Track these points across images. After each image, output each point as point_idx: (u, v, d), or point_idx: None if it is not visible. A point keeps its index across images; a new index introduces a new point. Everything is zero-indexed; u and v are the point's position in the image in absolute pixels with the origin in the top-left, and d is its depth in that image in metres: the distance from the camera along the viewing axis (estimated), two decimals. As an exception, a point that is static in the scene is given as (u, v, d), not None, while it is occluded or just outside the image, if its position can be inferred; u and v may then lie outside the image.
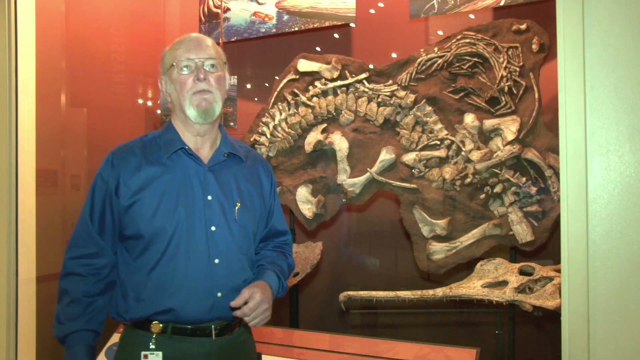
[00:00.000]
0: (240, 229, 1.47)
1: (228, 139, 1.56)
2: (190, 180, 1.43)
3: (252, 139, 2.75)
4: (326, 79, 2.59)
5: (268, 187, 1.61)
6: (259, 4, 2.86)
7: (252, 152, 1.63)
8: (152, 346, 1.34)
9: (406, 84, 2.46)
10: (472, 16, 2.56)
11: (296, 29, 2.77)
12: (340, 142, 2.55)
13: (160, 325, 1.37)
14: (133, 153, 1.44)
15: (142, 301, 1.38)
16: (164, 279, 1.37)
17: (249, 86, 3.23)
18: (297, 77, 2.67)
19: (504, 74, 2.28)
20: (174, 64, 1.43)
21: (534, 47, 2.25)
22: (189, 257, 1.38)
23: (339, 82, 2.57)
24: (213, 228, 1.42)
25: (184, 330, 1.38)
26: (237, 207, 1.48)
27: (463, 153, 2.34)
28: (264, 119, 2.73)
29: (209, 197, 1.44)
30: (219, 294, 1.40)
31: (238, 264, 1.46)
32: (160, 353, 1.35)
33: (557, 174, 2.19)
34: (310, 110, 2.61)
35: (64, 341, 1.38)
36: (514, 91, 2.28)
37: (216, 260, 1.41)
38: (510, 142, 2.25)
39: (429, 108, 2.42)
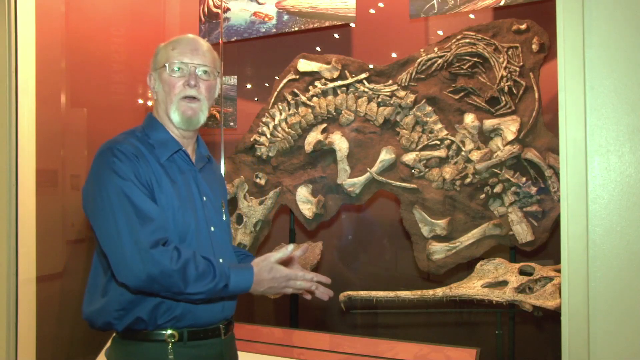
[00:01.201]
0: (228, 228, 1.54)
1: (202, 141, 1.58)
2: (189, 182, 1.44)
3: (252, 139, 2.75)
4: (326, 79, 2.59)
5: (226, 189, 1.70)
6: (259, 4, 2.86)
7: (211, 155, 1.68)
8: (170, 357, 1.31)
9: (406, 84, 2.46)
10: (472, 16, 2.56)
11: (296, 29, 2.77)
12: (340, 142, 2.55)
13: (175, 332, 1.33)
14: (139, 149, 1.38)
15: (159, 307, 1.32)
16: None
17: (249, 86, 3.23)
18: (297, 77, 2.67)
19: (504, 74, 2.28)
20: (166, 64, 1.41)
21: (534, 47, 2.25)
22: None
23: (339, 82, 2.57)
24: (212, 228, 1.44)
25: (199, 334, 1.37)
26: (223, 208, 1.53)
27: (463, 153, 2.34)
28: (264, 119, 2.73)
29: (204, 198, 1.45)
30: None
31: (234, 261, 1.51)
32: None
33: (557, 174, 2.19)
34: (310, 110, 2.61)
35: (227, 285, 1.29)
36: (514, 91, 2.28)
37: (220, 260, 1.43)
38: (510, 142, 2.25)
39: (429, 108, 2.42)
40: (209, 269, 1.27)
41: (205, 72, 1.43)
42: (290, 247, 1.34)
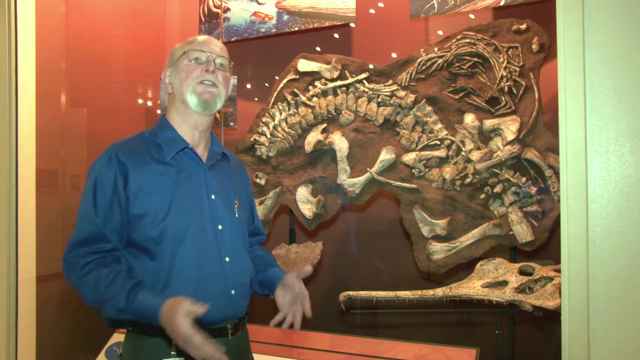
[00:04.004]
0: (241, 226, 1.51)
1: (217, 138, 1.58)
2: (195, 180, 1.44)
3: (252, 139, 2.75)
4: (326, 79, 2.59)
5: (248, 185, 1.68)
6: (259, 4, 2.86)
7: (231, 152, 1.68)
8: (172, 352, 1.32)
9: (406, 84, 2.46)
10: (472, 16, 2.56)
11: (296, 29, 2.77)
12: (340, 142, 2.55)
13: None
14: (137, 150, 1.40)
15: None
16: (180, 280, 1.35)
17: (249, 86, 3.23)
18: (297, 77, 2.67)
19: (504, 74, 2.28)
20: (186, 51, 1.45)
21: (534, 47, 2.25)
22: (203, 257, 1.38)
23: (339, 82, 2.57)
24: (220, 227, 1.44)
25: (203, 333, 1.37)
26: (236, 206, 1.51)
27: (463, 153, 2.34)
28: (264, 119, 2.73)
29: (213, 197, 1.45)
30: (233, 292, 1.42)
31: (244, 260, 1.49)
32: (182, 359, 1.33)
33: (557, 174, 2.19)
34: (310, 110, 2.61)
35: (131, 310, 1.25)
36: (514, 91, 2.28)
37: (227, 259, 1.43)
38: (510, 142, 2.25)
39: (429, 108, 2.42)
40: (112, 287, 1.28)
41: (221, 64, 1.48)
42: (202, 310, 1.18)
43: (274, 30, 2.82)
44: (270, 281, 1.50)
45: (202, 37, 1.50)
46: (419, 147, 2.42)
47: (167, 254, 1.34)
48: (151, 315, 1.23)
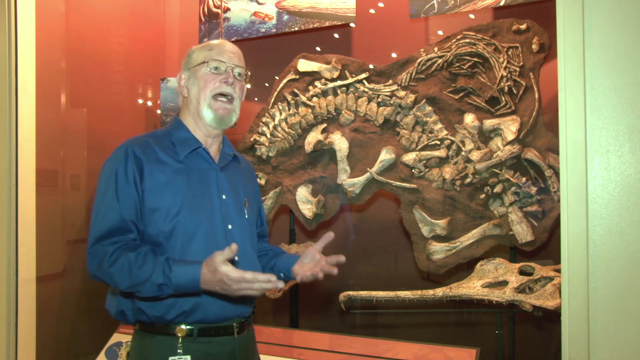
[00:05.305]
0: (250, 227, 1.53)
1: (228, 140, 1.60)
2: (207, 180, 1.46)
3: (252, 139, 2.75)
4: (326, 79, 2.59)
5: (257, 189, 1.70)
6: (259, 4, 2.86)
7: (242, 155, 1.70)
8: (179, 351, 1.34)
9: (406, 84, 2.46)
10: (472, 16, 2.56)
11: (296, 29, 2.77)
12: (340, 142, 2.55)
13: (186, 328, 1.36)
14: (151, 147, 1.42)
15: (162, 301, 1.35)
16: None
17: (249, 86, 3.23)
18: (297, 77, 2.67)
19: (504, 74, 2.28)
20: (206, 61, 1.46)
21: (534, 47, 2.25)
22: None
23: (339, 82, 2.57)
24: (230, 226, 1.46)
25: (209, 331, 1.39)
26: (246, 207, 1.54)
27: (463, 153, 2.34)
28: (264, 119, 2.73)
29: (224, 197, 1.47)
30: None
31: (252, 260, 1.51)
32: (188, 357, 1.35)
33: (557, 174, 2.19)
34: (310, 110, 2.61)
35: (169, 283, 1.26)
36: (514, 91, 2.28)
37: (236, 258, 1.43)
38: (510, 142, 2.25)
39: (429, 108, 2.42)
40: (146, 267, 1.28)
41: (239, 73, 1.50)
42: (235, 246, 1.23)
43: (274, 30, 2.82)
44: (287, 262, 1.52)
45: (222, 44, 1.50)
46: (419, 147, 2.42)
47: (177, 250, 1.36)
48: (192, 283, 1.26)
